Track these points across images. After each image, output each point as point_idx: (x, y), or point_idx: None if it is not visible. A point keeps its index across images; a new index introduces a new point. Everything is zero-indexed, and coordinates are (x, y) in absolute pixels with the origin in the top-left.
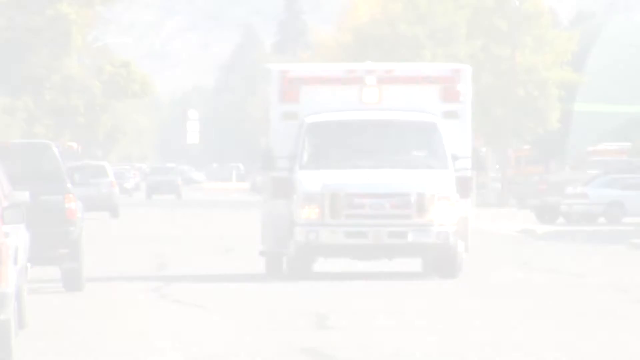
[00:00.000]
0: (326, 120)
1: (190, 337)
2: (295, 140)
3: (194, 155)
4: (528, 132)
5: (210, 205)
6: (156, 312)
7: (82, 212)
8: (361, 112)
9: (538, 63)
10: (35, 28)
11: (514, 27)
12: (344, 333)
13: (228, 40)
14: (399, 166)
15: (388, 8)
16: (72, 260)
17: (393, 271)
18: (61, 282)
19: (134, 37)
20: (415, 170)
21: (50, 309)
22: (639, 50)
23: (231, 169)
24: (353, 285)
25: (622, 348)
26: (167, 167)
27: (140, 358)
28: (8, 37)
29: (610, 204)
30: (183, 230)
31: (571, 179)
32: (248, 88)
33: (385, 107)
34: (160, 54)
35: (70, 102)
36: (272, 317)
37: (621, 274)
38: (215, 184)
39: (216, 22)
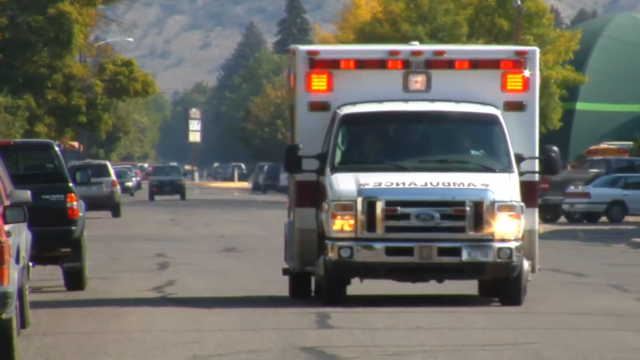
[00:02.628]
0: (363, 112)
1: (192, 336)
2: (326, 136)
3: (195, 155)
4: None
5: (209, 205)
6: (158, 311)
7: (83, 211)
8: (406, 102)
9: (540, 62)
10: (37, 27)
11: (515, 27)
12: (345, 333)
13: (230, 39)
14: (452, 168)
15: (390, 7)
16: (74, 260)
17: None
18: (63, 281)
19: (136, 36)
20: (472, 174)
21: (52, 308)
22: None
23: (232, 168)
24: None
25: (622, 347)
26: (170, 166)
27: (142, 357)
28: (9, 36)
29: (612, 203)
30: (184, 230)
31: (573, 178)
32: (250, 87)
33: (435, 96)
34: (162, 53)
35: (72, 101)
36: (273, 317)
37: (622, 273)
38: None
39: (218, 21)
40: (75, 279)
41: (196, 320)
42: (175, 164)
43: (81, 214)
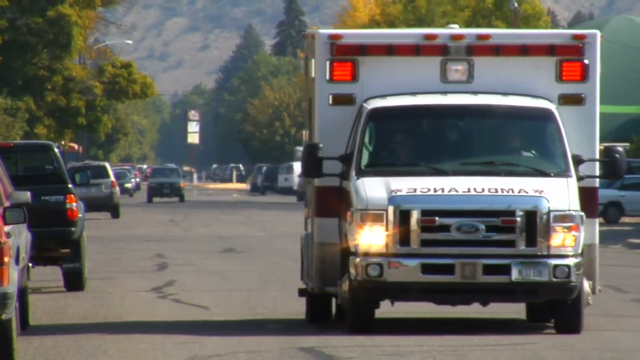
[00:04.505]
0: (395, 106)
1: (191, 336)
2: (351, 134)
3: (194, 156)
4: None
5: (208, 206)
6: (157, 311)
7: (83, 212)
8: (444, 95)
9: None
10: (36, 29)
11: (512, 28)
12: (344, 333)
13: (228, 41)
14: (499, 172)
15: (388, 9)
16: (73, 260)
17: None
18: (63, 282)
19: (135, 38)
20: (523, 179)
21: (52, 309)
22: (638, 51)
23: (231, 169)
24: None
25: (621, 348)
26: (169, 168)
27: (141, 357)
28: (9, 38)
29: (609, 204)
30: (183, 231)
31: None
32: (248, 89)
33: (478, 88)
34: (161, 55)
35: (72, 103)
36: (272, 317)
37: (619, 274)
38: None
39: (216, 23)
40: (74, 280)
41: (195, 321)
42: (174, 165)
43: (80, 215)
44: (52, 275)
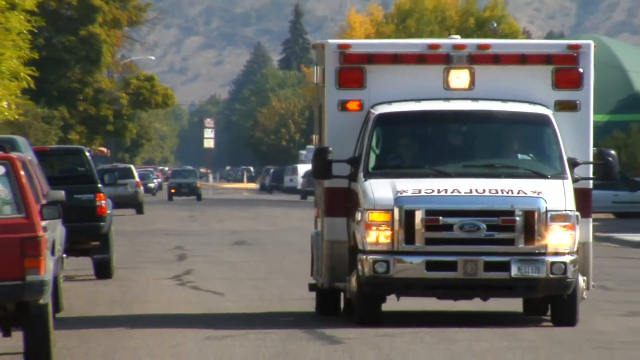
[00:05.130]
0: (400, 111)
1: (207, 319)
2: (359, 138)
3: (210, 159)
4: None
5: (222, 204)
6: (177, 297)
7: (111, 209)
8: (447, 101)
9: None
10: (70, 47)
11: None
12: (344, 317)
13: (240, 57)
14: (499, 174)
15: (381, 29)
16: (102, 252)
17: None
18: (93, 271)
19: (157, 54)
20: (522, 180)
21: (84, 295)
22: (604, 65)
23: (242, 171)
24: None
25: (603, 339)
26: (187, 170)
27: (163, 338)
28: (46, 54)
29: None
30: (200, 225)
31: None
32: (258, 99)
33: (478, 94)
34: (180, 69)
35: (101, 112)
36: (279, 302)
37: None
38: (228, 185)
39: (229, 41)
40: (103, 269)
41: (210, 306)
42: (191, 167)
43: (109, 212)
44: (83, 265)
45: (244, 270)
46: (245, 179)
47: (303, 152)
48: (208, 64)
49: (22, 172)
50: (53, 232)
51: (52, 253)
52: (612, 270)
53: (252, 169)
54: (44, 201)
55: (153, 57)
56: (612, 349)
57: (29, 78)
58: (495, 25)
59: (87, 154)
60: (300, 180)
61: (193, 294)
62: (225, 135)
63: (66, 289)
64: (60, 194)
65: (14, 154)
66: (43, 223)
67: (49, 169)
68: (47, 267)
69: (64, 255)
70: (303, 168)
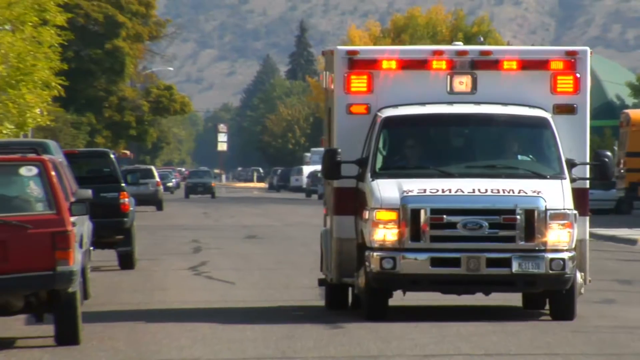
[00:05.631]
0: (406, 114)
1: (220, 305)
2: (366, 140)
3: (223, 160)
4: None
5: (234, 201)
6: (193, 286)
7: (133, 206)
8: (450, 105)
9: None
10: (96, 59)
11: None
12: (353, 310)
13: (250, 68)
14: (500, 174)
15: (378, 43)
16: (126, 245)
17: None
18: (117, 262)
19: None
20: (522, 180)
21: (109, 283)
22: None
23: (252, 172)
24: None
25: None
26: (202, 170)
27: (180, 322)
28: (75, 66)
29: None
30: (214, 221)
31: None
32: (266, 107)
33: (480, 98)
34: (196, 79)
35: (124, 118)
36: (285, 290)
37: None
38: (239, 184)
39: (241, 54)
40: (127, 260)
41: (223, 294)
42: (206, 168)
43: (131, 208)
44: (108, 256)
45: (254, 261)
46: (255, 179)
47: (308, 154)
48: (221, 74)
49: (53, 173)
50: (81, 227)
51: (80, 246)
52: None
53: (261, 169)
54: (72, 199)
55: (172, 68)
56: (587, 333)
57: (59, 87)
58: (482, 39)
59: (112, 156)
60: (305, 180)
61: (207, 283)
62: (237, 139)
63: (93, 279)
64: (88, 193)
65: (45, 156)
66: (72, 219)
67: (77, 169)
68: (76, 258)
69: (91, 248)
70: (308, 169)
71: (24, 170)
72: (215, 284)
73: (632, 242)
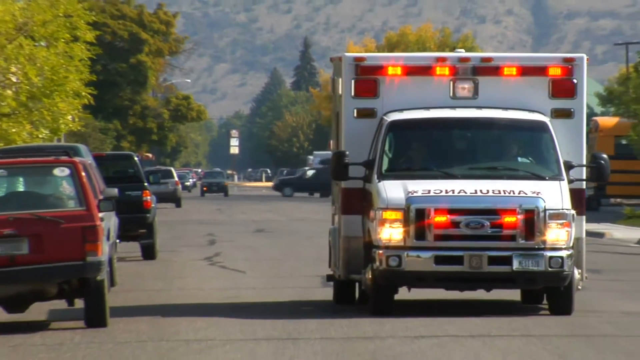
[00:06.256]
0: (411, 118)
1: (232, 291)
2: (373, 143)
3: (235, 162)
4: None
5: (245, 199)
6: (208, 274)
7: (155, 203)
8: (453, 109)
9: None
10: (122, 72)
11: None
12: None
13: (259, 80)
14: (501, 176)
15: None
16: (148, 238)
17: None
18: (140, 253)
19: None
20: (522, 182)
21: (133, 272)
22: None
23: (261, 172)
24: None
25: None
26: (216, 171)
27: (197, 306)
28: (103, 78)
29: None
30: (227, 216)
31: None
32: (274, 114)
33: (482, 103)
34: (211, 90)
35: (147, 125)
36: (290, 278)
37: None
38: (250, 184)
39: (251, 67)
40: (149, 252)
41: (235, 281)
42: (220, 169)
43: (153, 205)
44: (133, 248)
45: (263, 252)
46: (263, 179)
47: (310, 157)
48: (233, 85)
49: (83, 174)
50: (108, 222)
51: (108, 239)
52: None
53: (269, 170)
54: (101, 197)
55: (189, 80)
56: (561, 316)
57: (89, 97)
58: (463, 51)
59: (136, 158)
60: None
61: (221, 272)
62: (248, 143)
63: (119, 268)
64: (114, 191)
65: (76, 159)
66: (100, 214)
67: (105, 170)
68: (104, 250)
69: (117, 241)
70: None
71: (57, 171)
72: (228, 272)
73: (600, 235)
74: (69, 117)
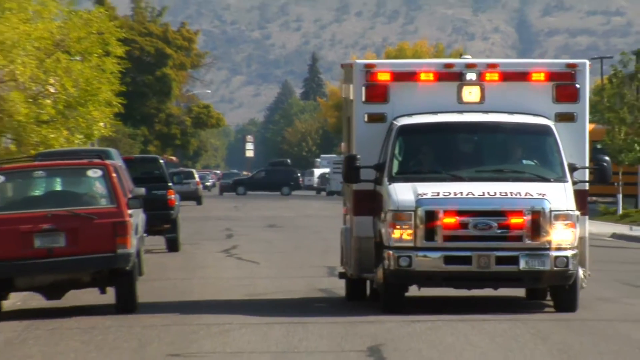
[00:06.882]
0: (420, 123)
1: (248, 281)
2: (383, 146)
3: (250, 164)
4: None
5: (259, 197)
6: (226, 265)
7: (178, 201)
8: (460, 114)
9: None
10: (148, 83)
11: None
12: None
13: (272, 90)
14: (508, 178)
15: None
16: (172, 232)
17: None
18: (165, 246)
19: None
20: (528, 184)
21: (158, 263)
22: None
23: None
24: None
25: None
26: (233, 172)
27: (216, 294)
28: (132, 89)
29: None
30: (243, 213)
31: None
32: (285, 121)
33: (488, 107)
34: (229, 100)
35: (171, 131)
36: (300, 269)
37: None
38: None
39: (264, 79)
40: (173, 245)
41: (251, 272)
42: (236, 171)
43: (177, 203)
44: (158, 242)
45: (275, 245)
46: None
47: (318, 160)
48: (249, 95)
49: (114, 175)
50: (136, 218)
51: (136, 233)
52: None
53: None
54: (129, 195)
55: (209, 91)
56: (547, 305)
57: (119, 105)
58: None
59: (161, 161)
60: (315, 180)
61: (238, 263)
62: (262, 147)
63: (146, 259)
64: (142, 191)
65: (108, 161)
66: (129, 211)
67: (133, 172)
68: (132, 243)
69: (144, 235)
70: (318, 171)
71: (90, 173)
72: (244, 263)
73: None
74: (102, 124)
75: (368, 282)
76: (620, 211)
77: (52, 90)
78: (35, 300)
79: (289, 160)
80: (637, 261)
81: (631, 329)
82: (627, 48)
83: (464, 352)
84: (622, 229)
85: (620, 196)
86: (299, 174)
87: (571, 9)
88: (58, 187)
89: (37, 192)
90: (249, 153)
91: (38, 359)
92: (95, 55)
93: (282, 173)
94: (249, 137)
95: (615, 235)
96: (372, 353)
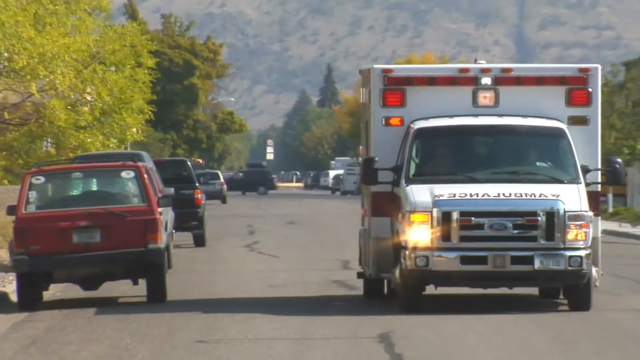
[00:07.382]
0: (436, 126)
1: (268, 274)
2: (400, 149)
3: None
4: None
5: (279, 197)
6: (248, 259)
7: (204, 200)
8: (476, 117)
9: None
10: (177, 92)
11: None
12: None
13: (291, 99)
14: (522, 180)
15: None
16: (199, 228)
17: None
18: (193, 241)
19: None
20: (542, 185)
21: (186, 257)
22: None
23: (292, 175)
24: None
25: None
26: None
27: (238, 285)
28: (162, 97)
29: None
30: (264, 211)
31: None
32: (302, 127)
33: (503, 111)
34: (251, 107)
35: (198, 136)
36: (317, 263)
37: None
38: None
39: (284, 88)
40: (199, 240)
41: (270, 264)
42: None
43: (203, 202)
44: (186, 237)
45: (293, 241)
46: (294, 180)
47: (333, 162)
48: (269, 103)
49: (145, 176)
50: (166, 215)
51: (165, 229)
52: None
53: (298, 173)
54: (160, 195)
55: (233, 99)
56: (550, 301)
57: (150, 113)
58: None
59: (189, 163)
60: (330, 180)
61: (259, 257)
62: (281, 151)
63: (175, 253)
64: (171, 190)
65: (140, 164)
66: (159, 209)
67: (163, 173)
68: (162, 239)
69: (173, 231)
70: (332, 173)
71: (124, 174)
72: (265, 257)
73: None
74: (134, 130)
75: (386, 282)
76: (611, 209)
77: (89, 98)
78: (73, 291)
79: (264, 163)
80: (624, 255)
81: (623, 318)
82: (617, 60)
83: (466, 339)
84: (612, 225)
85: (610, 195)
86: (274, 176)
87: (565, 24)
88: (94, 187)
89: (75, 192)
90: (269, 156)
91: (76, 345)
92: (129, 66)
93: (259, 174)
94: (270, 142)
95: (605, 232)
96: (383, 339)
